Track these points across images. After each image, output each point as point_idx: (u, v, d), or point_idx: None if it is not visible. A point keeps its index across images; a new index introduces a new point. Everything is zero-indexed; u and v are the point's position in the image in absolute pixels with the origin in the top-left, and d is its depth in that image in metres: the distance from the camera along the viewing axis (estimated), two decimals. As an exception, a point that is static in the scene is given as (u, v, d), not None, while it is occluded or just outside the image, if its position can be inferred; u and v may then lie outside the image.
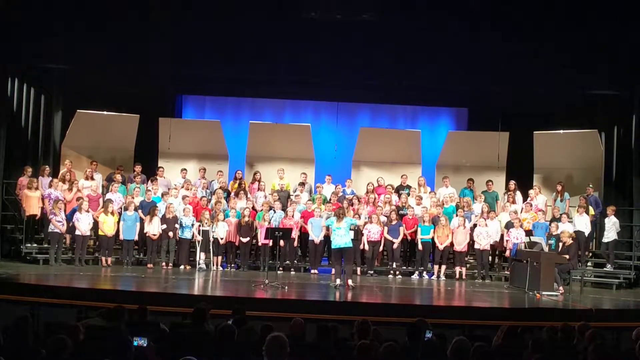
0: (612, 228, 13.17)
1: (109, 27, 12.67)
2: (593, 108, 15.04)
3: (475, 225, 13.48)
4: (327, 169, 15.40)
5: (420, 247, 13.35)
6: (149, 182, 14.23)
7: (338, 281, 11.29)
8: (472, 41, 12.92)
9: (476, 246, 13.31)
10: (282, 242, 13.02)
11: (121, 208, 13.41)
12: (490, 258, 13.71)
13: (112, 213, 13.11)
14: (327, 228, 13.17)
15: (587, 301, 10.99)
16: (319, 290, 11.53)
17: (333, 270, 11.90)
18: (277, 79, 15.35)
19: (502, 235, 13.35)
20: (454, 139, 15.87)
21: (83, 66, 14.20)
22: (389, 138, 15.96)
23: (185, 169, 14.71)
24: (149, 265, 13.17)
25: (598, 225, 13.64)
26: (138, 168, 14.46)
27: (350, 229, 11.34)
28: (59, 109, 15.41)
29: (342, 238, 11.14)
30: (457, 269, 13.36)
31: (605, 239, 13.28)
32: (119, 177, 14.06)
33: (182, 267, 13.21)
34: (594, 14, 12.25)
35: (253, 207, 13.70)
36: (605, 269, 13.31)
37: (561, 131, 15.10)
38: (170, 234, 13.17)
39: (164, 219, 13.25)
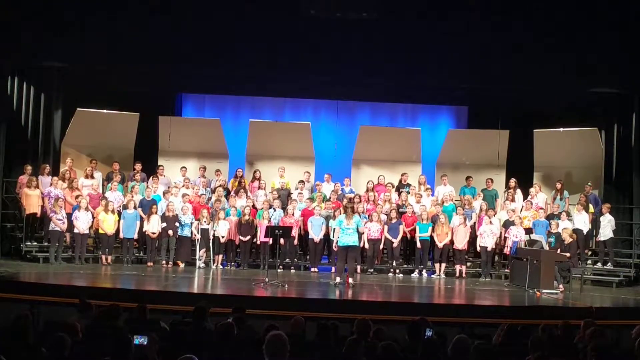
0: (607, 226, 13.17)
1: (108, 25, 12.65)
2: (593, 106, 15.02)
3: (475, 224, 13.49)
4: (327, 168, 15.37)
5: (419, 245, 13.35)
6: (150, 179, 14.23)
7: (338, 279, 11.28)
8: (472, 39, 12.90)
9: (482, 244, 13.23)
10: (282, 241, 13.02)
11: (121, 206, 13.42)
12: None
13: (112, 211, 13.11)
14: (327, 227, 13.19)
15: (587, 299, 11.00)
16: (319, 288, 11.52)
17: (333, 268, 11.89)
18: (277, 77, 15.32)
19: (500, 233, 13.35)
20: (454, 137, 15.85)
21: (83, 64, 14.16)
22: (389, 136, 15.92)
23: (185, 167, 14.69)
24: (149, 264, 13.17)
25: (599, 223, 13.63)
26: (138, 166, 14.43)
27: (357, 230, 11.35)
28: (59, 107, 15.36)
29: (350, 237, 11.19)
30: (457, 267, 13.37)
31: (601, 237, 13.29)
32: (118, 177, 14.05)
33: (182, 265, 13.22)
34: (594, 13, 12.23)
35: (253, 206, 13.70)
36: (605, 266, 13.31)
37: (561, 129, 15.08)
38: (170, 232, 13.17)
39: (164, 217, 13.25)
